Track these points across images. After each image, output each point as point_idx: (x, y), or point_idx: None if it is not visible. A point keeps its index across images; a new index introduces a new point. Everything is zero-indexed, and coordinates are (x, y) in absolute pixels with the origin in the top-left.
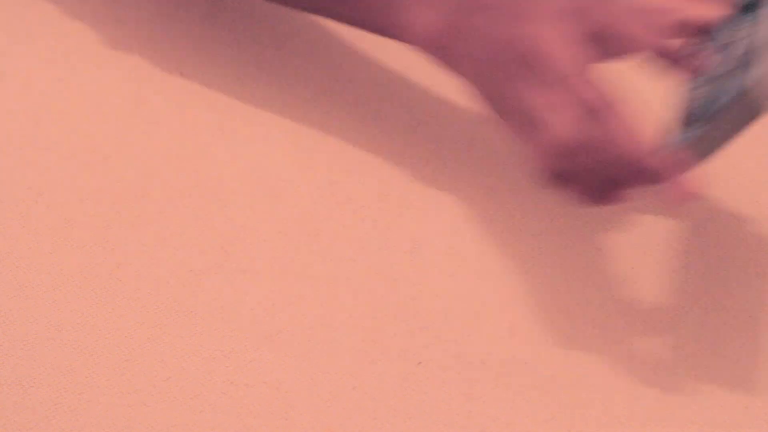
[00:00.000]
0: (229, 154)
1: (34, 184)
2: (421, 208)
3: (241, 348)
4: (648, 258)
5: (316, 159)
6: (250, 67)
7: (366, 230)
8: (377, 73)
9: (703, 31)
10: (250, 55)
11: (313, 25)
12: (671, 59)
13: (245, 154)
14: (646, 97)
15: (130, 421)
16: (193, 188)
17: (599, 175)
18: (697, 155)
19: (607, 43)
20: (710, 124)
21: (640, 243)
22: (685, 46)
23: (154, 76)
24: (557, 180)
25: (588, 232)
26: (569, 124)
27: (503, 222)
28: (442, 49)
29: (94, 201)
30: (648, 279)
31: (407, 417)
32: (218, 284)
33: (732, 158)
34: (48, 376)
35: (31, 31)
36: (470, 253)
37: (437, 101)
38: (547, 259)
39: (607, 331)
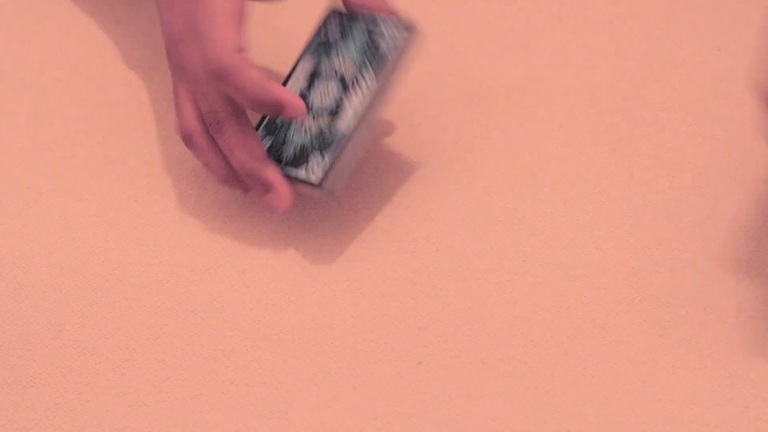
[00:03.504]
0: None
1: (34, 184)
2: (421, 208)
3: (241, 348)
4: (648, 257)
5: None
6: None
7: (366, 230)
8: None
9: None
10: (249, 54)
11: (312, 26)
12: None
13: None
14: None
15: (130, 421)
16: (193, 188)
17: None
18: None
19: None
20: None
21: (641, 243)
22: None
23: (154, 75)
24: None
25: (587, 231)
26: (191, 122)
27: (503, 222)
28: None
29: (94, 201)
30: (648, 279)
31: (407, 417)
32: (218, 284)
33: (732, 157)
34: (48, 376)
35: (31, 31)
36: (470, 253)
37: (437, 101)
38: (547, 259)
39: (607, 331)
